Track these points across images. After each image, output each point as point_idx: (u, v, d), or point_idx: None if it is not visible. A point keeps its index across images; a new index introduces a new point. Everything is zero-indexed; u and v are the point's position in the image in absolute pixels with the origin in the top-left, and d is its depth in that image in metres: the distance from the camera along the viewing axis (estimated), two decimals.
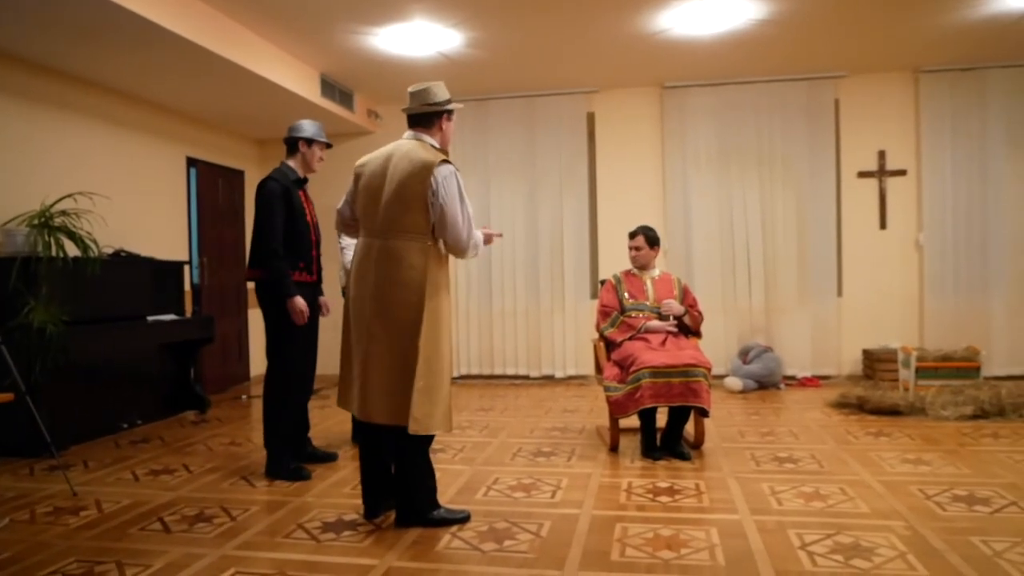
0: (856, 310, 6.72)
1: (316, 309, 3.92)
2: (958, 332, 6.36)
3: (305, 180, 3.93)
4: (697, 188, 6.83)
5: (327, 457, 4.07)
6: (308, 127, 3.89)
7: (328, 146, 3.97)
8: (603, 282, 4.57)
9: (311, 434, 4.14)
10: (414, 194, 2.83)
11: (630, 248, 4.47)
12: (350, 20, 5.02)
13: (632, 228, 4.54)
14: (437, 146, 2.98)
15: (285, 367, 3.75)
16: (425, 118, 2.99)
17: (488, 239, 3.13)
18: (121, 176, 5.66)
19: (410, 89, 3.01)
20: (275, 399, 3.76)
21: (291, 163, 3.88)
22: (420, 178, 2.83)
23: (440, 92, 2.99)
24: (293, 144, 3.88)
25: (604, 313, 4.39)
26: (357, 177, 3.03)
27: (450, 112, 3.02)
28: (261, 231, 3.70)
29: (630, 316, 4.29)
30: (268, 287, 3.71)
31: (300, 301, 3.64)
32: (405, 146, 2.96)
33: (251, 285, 4.38)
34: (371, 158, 3.03)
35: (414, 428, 2.79)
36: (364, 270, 2.94)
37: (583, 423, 5.00)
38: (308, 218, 3.82)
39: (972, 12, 5.17)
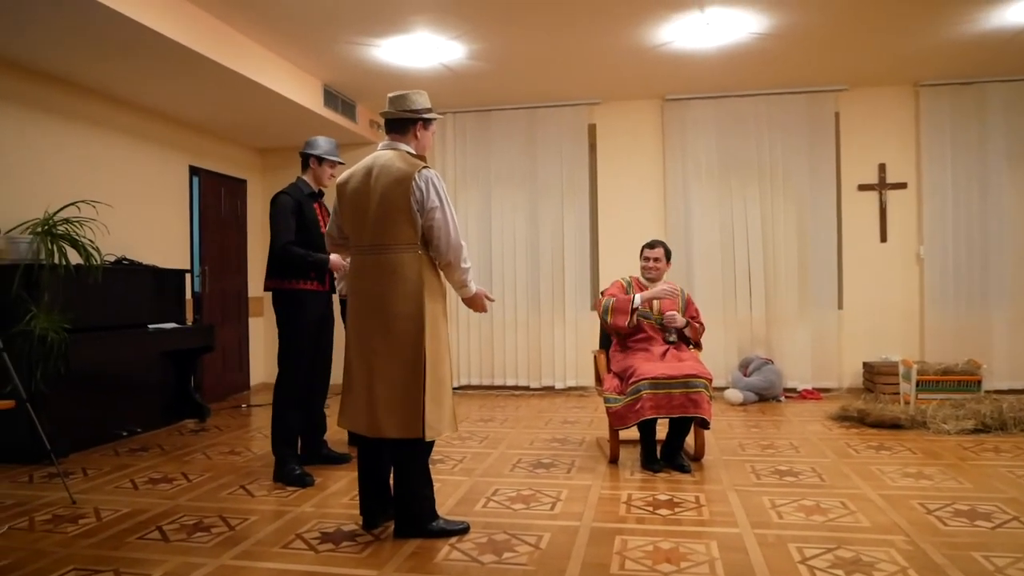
0: (857, 323, 6.72)
1: (329, 318, 4.05)
2: (959, 345, 6.36)
3: (321, 193, 4.07)
4: (698, 200, 6.85)
5: (340, 459, 4.16)
6: (320, 144, 4.04)
7: (337, 163, 4.07)
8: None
9: (326, 436, 4.25)
10: (398, 206, 2.84)
11: (647, 258, 4.40)
12: (352, 31, 5.05)
13: (635, 239, 4.56)
14: (413, 153, 2.99)
15: (291, 374, 3.87)
16: (400, 124, 3.01)
17: (478, 301, 3.06)
18: (124, 184, 5.68)
19: (389, 95, 3.04)
20: (280, 405, 3.89)
21: (305, 178, 4.05)
22: (402, 189, 2.83)
23: (418, 100, 3.01)
24: (306, 160, 4.03)
25: (606, 296, 4.32)
26: (340, 195, 3.03)
27: (427, 121, 3.04)
28: (273, 241, 3.84)
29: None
30: (281, 296, 3.88)
31: (334, 257, 3.78)
32: (383, 157, 2.95)
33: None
34: (352, 174, 3.01)
35: (431, 435, 2.84)
36: (360, 287, 2.95)
37: (583, 435, 4.99)
38: (322, 229, 3.90)
39: (971, 27, 5.20)
